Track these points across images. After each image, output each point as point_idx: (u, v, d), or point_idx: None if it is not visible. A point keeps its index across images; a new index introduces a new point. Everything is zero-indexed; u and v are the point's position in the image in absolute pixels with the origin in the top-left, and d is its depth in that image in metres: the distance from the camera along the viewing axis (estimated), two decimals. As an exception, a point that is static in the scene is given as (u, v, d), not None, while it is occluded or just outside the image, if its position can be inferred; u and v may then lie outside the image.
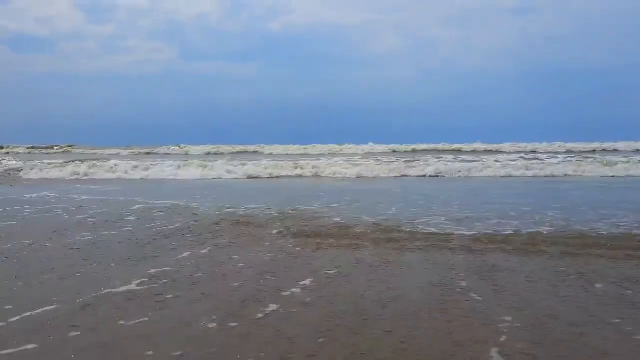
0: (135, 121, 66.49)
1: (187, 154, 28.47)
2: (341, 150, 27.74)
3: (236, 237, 4.74)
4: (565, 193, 8.89)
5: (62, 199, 8.11)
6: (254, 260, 3.86)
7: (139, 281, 3.27)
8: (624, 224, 5.23)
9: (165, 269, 3.59)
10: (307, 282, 3.25)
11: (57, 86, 68.77)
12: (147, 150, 31.85)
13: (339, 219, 5.72)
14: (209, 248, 4.29)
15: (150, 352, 2.17)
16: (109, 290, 3.07)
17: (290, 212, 6.31)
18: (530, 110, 62.12)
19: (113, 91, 70.58)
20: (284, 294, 3.01)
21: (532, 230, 4.92)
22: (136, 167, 14.50)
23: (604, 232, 4.76)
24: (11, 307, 2.76)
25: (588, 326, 2.44)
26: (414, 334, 2.36)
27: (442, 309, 2.71)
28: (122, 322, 2.53)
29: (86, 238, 4.79)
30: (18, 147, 37.76)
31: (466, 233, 4.80)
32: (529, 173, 13.04)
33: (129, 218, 6.03)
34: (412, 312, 2.67)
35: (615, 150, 24.42)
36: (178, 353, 2.17)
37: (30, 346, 2.24)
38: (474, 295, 2.95)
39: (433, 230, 5.01)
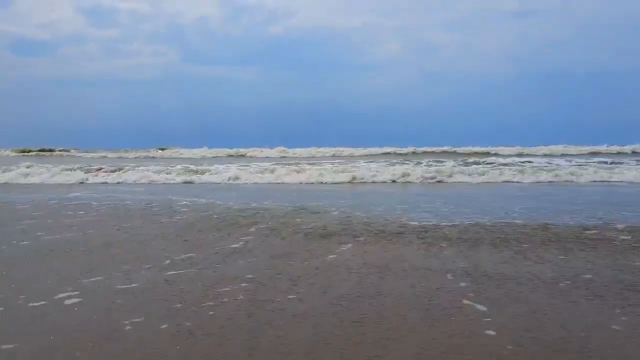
0: (136, 124, 67.86)
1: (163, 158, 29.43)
2: (341, 152, 29.30)
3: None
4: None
5: (111, 197, 9.66)
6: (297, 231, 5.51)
7: (245, 238, 4.91)
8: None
9: (244, 238, 5.24)
10: (349, 245, 4.90)
11: (59, 90, 69.90)
12: (137, 155, 32.71)
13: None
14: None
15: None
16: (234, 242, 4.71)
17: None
18: (532, 113, 63.95)
19: (114, 94, 71.87)
20: (331, 255, 4.67)
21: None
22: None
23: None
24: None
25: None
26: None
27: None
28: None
29: (175, 219, 6.45)
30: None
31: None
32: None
33: (183, 209, 7.63)
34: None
35: (620, 153, 25.52)
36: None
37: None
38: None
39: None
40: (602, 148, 27.99)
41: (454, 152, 27.50)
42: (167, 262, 4.26)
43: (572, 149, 27.36)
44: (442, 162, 18.34)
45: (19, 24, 68.90)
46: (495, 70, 68.50)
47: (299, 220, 6.41)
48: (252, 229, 5.77)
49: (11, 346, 2.54)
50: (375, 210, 7.37)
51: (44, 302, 3.20)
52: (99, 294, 3.40)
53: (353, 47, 69.83)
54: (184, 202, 8.46)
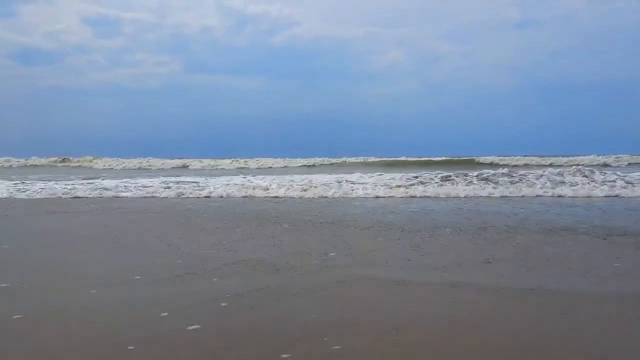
0: (141, 133, 69.56)
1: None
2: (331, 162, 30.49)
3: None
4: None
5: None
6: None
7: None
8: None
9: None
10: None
11: (64, 99, 71.48)
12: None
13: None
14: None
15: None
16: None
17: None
18: (534, 123, 65.49)
19: (119, 104, 73.78)
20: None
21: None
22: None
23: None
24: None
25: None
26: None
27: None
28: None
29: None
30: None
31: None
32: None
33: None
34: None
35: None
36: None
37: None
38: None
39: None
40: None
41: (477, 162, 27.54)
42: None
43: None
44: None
45: (25, 33, 70.87)
46: (497, 80, 71.00)
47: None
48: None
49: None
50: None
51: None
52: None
53: (356, 56, 72.34)
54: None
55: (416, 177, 12.77)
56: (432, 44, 71.11)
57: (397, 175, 13.55)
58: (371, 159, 31.77)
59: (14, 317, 3.26)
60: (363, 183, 12.69)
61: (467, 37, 73.68)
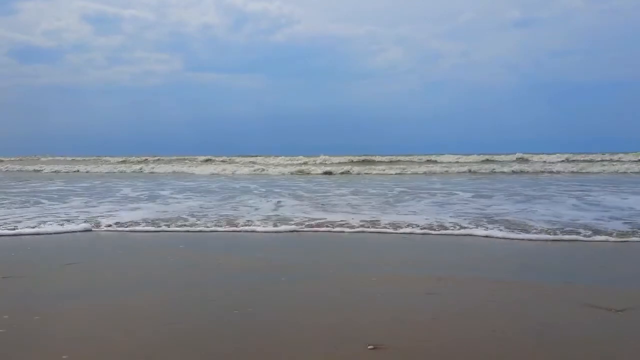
0: (140, 131, 69.79)
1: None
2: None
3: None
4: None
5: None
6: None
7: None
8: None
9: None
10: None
11: (63, 97, 71.72)
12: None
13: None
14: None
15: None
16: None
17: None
18: (533, 121, 65.04)
19: (119, 102, 74.02)
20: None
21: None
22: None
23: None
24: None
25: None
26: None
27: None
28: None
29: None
30: None
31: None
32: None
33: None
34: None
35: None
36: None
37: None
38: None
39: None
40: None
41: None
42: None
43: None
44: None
45: (25, 31, 71.85)
46: (496, 79, 71.30)
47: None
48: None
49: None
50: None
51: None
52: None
53: (355, 55, 72.79)
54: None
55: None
56: (432, 42, 71.66)
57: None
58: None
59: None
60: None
61: (466, 36, 74.26)
